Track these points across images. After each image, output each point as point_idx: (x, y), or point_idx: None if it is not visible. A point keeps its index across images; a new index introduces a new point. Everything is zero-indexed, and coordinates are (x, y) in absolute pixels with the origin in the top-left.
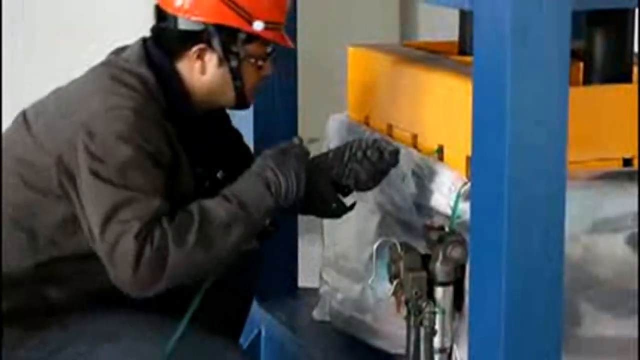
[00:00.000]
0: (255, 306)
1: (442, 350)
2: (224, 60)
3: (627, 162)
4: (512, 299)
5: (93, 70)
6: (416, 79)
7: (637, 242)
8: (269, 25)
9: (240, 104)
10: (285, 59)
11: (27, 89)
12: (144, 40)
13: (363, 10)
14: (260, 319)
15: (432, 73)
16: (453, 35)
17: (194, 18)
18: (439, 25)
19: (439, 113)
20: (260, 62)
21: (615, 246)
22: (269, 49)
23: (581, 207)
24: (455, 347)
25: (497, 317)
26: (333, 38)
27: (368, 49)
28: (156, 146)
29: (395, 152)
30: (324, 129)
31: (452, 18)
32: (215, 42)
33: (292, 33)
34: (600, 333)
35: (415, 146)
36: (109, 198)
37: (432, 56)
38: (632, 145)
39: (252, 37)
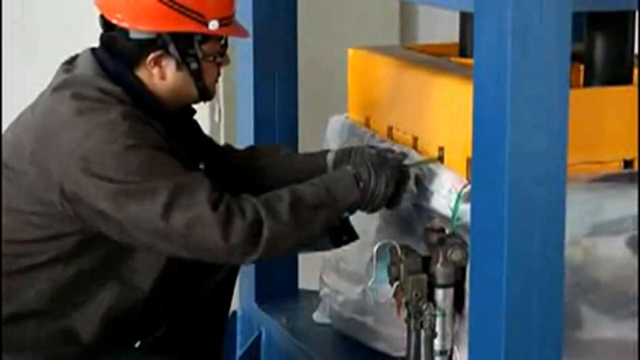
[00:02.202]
0: (255, 308)
1: (442, 352)
2: (182, 64)
3: (627, 164)
4: (513, 301)
5: (53, 95)
6: (417, 81)
7: (638, 245)
8: (222, 22)
9: (204, 98)
10: (285, 61)
11: (27, 89)
12: (93, 51)
13: (363, 12)
14: (260, 321)
15: (433, 75)
16: (453, 38)
17: (146, 28)
18: (439, 28)
19: (440, 115)
20: (218, 59)
21: (615, 249)
22: (222, 42)
23: (581, 209)
24: (455, 349)
25: (498, 320)
26: (333, 40)
27: (368, 51)
28: (156, 138)
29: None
30: (324, 131)
31: (452, 20)
32: (172, 48)
33: (292, 35)
34: (601, 336)
35: (415, 148)
36: (153, 200)
37: (433, 58)
38: (633, 147)
39: (207, 37)
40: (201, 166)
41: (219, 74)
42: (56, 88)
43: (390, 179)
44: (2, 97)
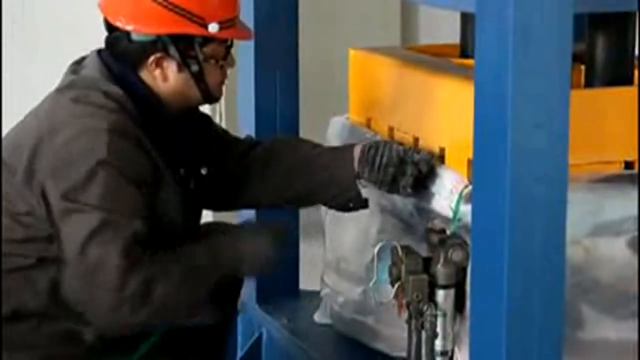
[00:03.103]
0: (256, 309)
1: (443, 353)
2: (183, 66)
3: (628, 165)
4: (513, 301)
5: (57, 95)
6: (417, 82)
7: (638, 246)
8: (223, 24)
9: (209, 100)
10: (286, 61)
11: (27, 89)
12: (99, 53)
13: (364, 12)
14: (261, 321)
15: (434, 76)
16: (454, 38)
17: (145, 30)
18: (440, 28)
19: (441, 115)
20: (221, 62)
21: (616, 249)
22: (227, 44)
23: (582, 210)
24: (456, 350)
25: (499, 320)
26: (334, 40)
27: (369, 51)
28: (134, 164)
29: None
30: (325, 131)
31: (453, 21)
32: (172, 50)
33: (293, 35)
34: (602, 336)
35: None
36: (86, 221)
37: (434, 59)
38: (633, 148)
39: (209, 39)
40: (203, 171)
41: (225, 76)
42: (60, 89)
43: (273, 237)
44: (2, 97)
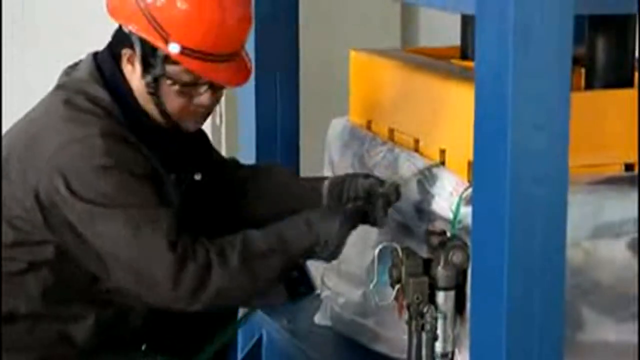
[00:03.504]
0: (256, 310)
1: (443, 355)
2: (144, 72)
3: (628, 167)
4: (514, 303)
5: (50, 96)
6: (418, 84)
7: (638, 247)
8: (188, 51)
9: (171, 125)
10: (286, 63)
11: (27, 89)
12: (95, 55)
13: (364, 14)
14: (261, 323)
15: (434, 78)
16: (454, 40)
17: (118, 20)
18: (441, 30)
19: (441, 117)
20: (180, 88)
21: (616, 251)
22: (201, 80)
23: (582, 212)
24: (456, 352)
25: (499, 322)
26: (334, 42)
27: (370, 53)
28: (134, 163)
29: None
30: (325, 132)
31: (453, 23)
32: (137, 50)
33: (294, 37)
34: (602, 338)
35: (417, 150)
36: (118, 220)
37: (434, 61)
38: (634, 150)
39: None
40: (197, 177)
41: (191, 106)
42: (53, 91)
43: (347, 220)
44: (2, 97)
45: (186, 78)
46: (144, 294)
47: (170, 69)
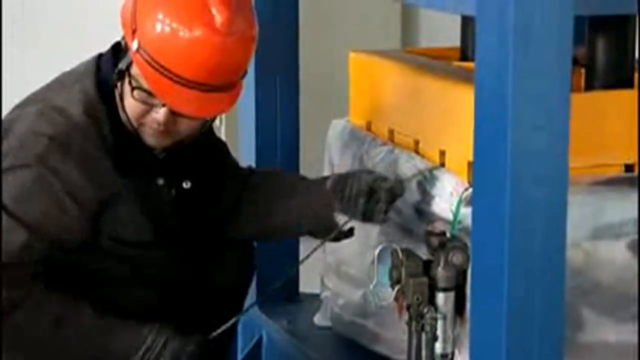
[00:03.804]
0: (256, 311)
1: (443, 356)
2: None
3: (628, 168)
4: (514, 304)
5: (43, 91)
6: (418, 85)
7: (638, 248)
8: (146, 55)
9: (128, 121)
10: (286, 64)
11: (27, 89)
12: (101, 54)
13: (364, 15)
14: (261, 324)
15: (434, 79)
16: (454, 41)
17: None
18: (440, 31)
19: (441, 118)
20: (138, 93)
21: (616, 252)
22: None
23: (582, 212)
24: (456, 352)
25: (499, 323)
26: (335, 43)
27: (370, 54)
28: (63, 182)
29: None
30: (326, 133)
31: (453, 24)
32: (122, 41)
33: (294, 38)
34: (602, 339)
35: (417, 152)
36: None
37: (434, 62)
38: (634, 151)
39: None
40: (185, 185)
41: (148, 120)
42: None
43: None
44: (2, 97)
45: (145, 84)
46: None
47: (133, 69)
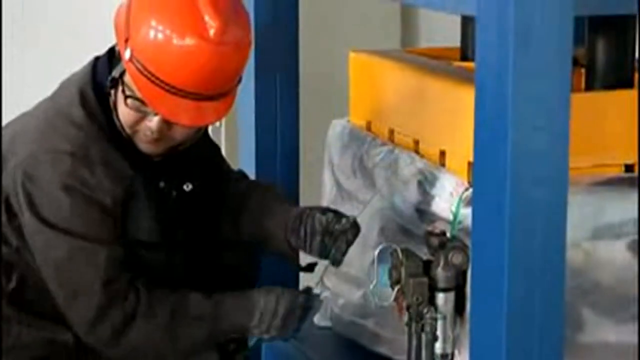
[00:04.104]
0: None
1: (443, 356)
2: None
3: (628, 168)
4: (514, 304)
5: (43, 100)
6: (418, 85)
7: (638, 249)
8: (139, 64)
9: (123, 129)
10: (286, 64)
11: (27, 89)
12: (97, 58)
13: (364, 15)
14: None
15: (434, 78)
16: (454, 41)
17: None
18: (440, 31)
19: (441, 118)
20: (131, 101)
21: (616, 252)
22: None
23: (582, 212)
24: (456, 353)
25: (499, 323)
26: (334, 43)
27: (370, 54)
28: (98, 190)
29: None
30: (325, 134)
31: (453, 24)
32: (116, 46)
33: (294, 38)
34: (602, 339)
35: (417, 152)
36: (60, 246)
37: (434, 61)
38: (634, 151)
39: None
40: (186, 188)
41: (144, 134)
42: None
43: (290, 312)
44: (2, 97)
45: (138, 93)
46: (67, 316)
47: (126, 76)
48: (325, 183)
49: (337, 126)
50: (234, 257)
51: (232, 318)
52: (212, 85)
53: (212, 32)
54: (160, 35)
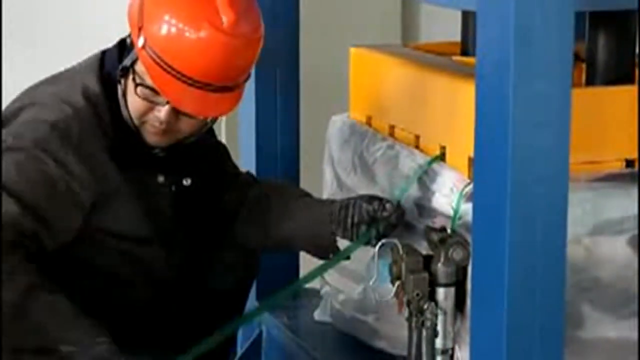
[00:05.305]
0: (256, 307)
1: (444, 351)
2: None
3: (629, 163)
4: (514, 300)
5: (42, 83)
6: (418, 80)
7: (639, 245)
8: (152, 53)
9: (129, 117)
10: (287, 60)
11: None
12: (104, 51)
13: (365, 11)
14: (261, 320)
15: (435, 74)
16: (455, 37)
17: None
18: (441, 27)
19: (442, 114)
20: (141, 90)
21: (617, 248)
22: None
23: (583, 208)
24: (457, 348)
25: (499, 319)
26: (335, 38)
27: (370, 49)
28: (62, 168)
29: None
30: (325, 130)
31: (454, 19)
32: (129, 36)
33: (294, 34)
34: (602, 335)
35: (417, 147)
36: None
37: (435, 57)
38: (634, 147)
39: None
40: (185, 182)
41: (152, 124)
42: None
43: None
44: (2, 97)
45: (149, 81)
46: None
47: (138, 65)
48: (325, 178)
49: (337, 121)
50: (233, 256)
51: (70, 336)
52: (221, 76)
53: (225, 24)
54: (174, 24)
